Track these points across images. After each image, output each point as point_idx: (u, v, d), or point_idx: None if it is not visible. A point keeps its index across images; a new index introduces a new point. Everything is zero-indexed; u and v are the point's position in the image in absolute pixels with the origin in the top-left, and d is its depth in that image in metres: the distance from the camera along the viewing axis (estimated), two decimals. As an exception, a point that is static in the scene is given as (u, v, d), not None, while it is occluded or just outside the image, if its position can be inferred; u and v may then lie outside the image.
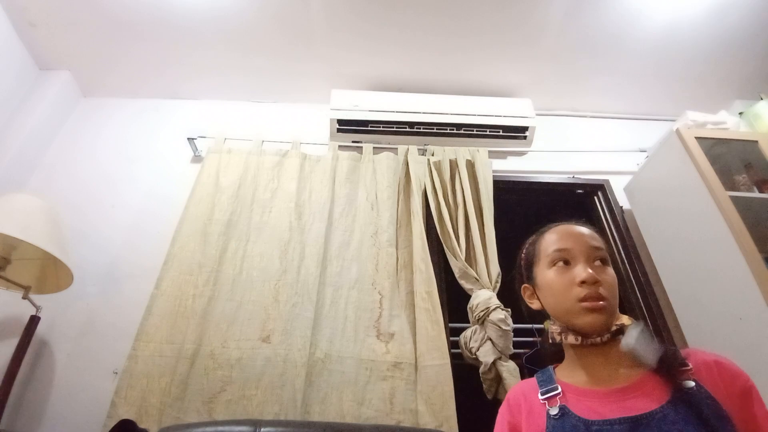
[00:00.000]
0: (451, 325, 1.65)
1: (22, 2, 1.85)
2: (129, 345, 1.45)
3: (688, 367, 0.64)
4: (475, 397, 1.47)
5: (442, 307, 1.57)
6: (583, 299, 0.70)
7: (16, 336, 1.43)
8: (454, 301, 1.71)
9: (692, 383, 0.62)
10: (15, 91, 1.98)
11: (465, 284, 1.62)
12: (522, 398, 0.77)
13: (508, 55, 2.09)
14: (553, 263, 0.77)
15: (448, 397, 1.40)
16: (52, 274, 1.51)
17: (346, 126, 2.04)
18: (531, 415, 0.73)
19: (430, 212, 1.81)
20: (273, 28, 1.95)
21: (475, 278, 1.61)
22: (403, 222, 1.81)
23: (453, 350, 1.53)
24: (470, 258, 1.68)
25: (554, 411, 0.69)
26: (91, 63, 2.11)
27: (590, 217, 2.12)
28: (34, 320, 1.46)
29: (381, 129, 2.05)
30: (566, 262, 0.75)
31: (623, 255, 1.88)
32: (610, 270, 0.75)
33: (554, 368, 0.80)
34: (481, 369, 1.45)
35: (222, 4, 1.85)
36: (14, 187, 1.82)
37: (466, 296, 1.61)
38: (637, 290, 1.78)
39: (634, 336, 0.68)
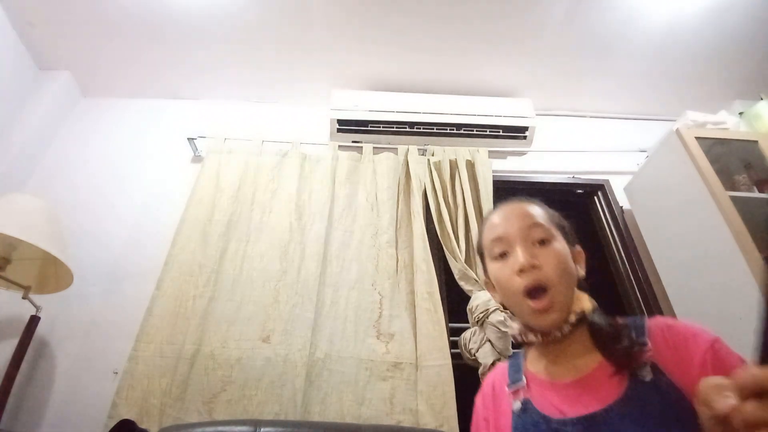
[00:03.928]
0: (450, 325, 1.66)
1: (22, 2, 1.85)
2: (129, 345, 1.45)
3: (647, 348, 0.60)
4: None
5: (442, 308, 1.58)
6: (526, 292, 0.65)
7: (16, 336, 1.43)
8: (454, 302, 1.72)
9: (649, 371, 0.58)
10: (15, 91, 1.98)
11: (465, 285, 1.62)
12: (492, 388, 0.77)
13: (507, 55, 2.09)
14: (493, 256, 0.72)
15: (449, 398, 1.40)
16: (52, 274, 1.51)
17: (346, 126, 2.04)
18: (499, 407, 0.72)
19: (430, 213, 1.81)
20: (273, 27, 1.95)
21: (475, 280, 1.61)
22: (403, 222, 1.81)
23: (452, 350, 1.53)
24: (470, 259, 1.68)
25: (517, 406, 0.68)
26: (91, 63, 2.11)
27: (590, 217, 2.13)
28: (34, 320, 1.46)
29: (381, 129, 2.05)
30: (505, 253, 0.70)
31: (623, 255, 1.88)
32: (554, 246, 0.68)
33: (526, 351, 0.77)
34: (481, 370, 1.45)
35: (222, 3, 1.85)
36: (14, 187, 1.83)
37: (466, 297, 1.61)
38: (637, 290, 1.78)
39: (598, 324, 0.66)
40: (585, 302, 0.68)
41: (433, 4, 1.85)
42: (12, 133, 1.92)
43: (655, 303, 1.71)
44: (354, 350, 1.51)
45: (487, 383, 0.79)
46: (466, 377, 1.52)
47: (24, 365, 1.41)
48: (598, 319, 0.67)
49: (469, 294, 1.60)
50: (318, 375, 1.45)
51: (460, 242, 1.70)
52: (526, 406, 0.67)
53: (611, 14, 1.91)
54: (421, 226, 1.74)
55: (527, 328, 0.70)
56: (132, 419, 1.25)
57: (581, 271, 0.72)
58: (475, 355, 1.47)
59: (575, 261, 0.71)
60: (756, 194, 1.63)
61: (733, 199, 1.48)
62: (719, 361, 0.56)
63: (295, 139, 2.00)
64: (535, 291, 0.65)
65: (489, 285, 0.77)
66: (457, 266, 1.65)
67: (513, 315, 0.74)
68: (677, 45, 2.05)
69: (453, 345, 1.57)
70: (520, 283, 0.66)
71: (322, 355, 1.49)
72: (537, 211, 0.73)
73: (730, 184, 1.66)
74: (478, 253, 0.82)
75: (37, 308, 1.46)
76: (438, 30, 1.96)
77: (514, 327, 0.74)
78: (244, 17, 1.90)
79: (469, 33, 1.98)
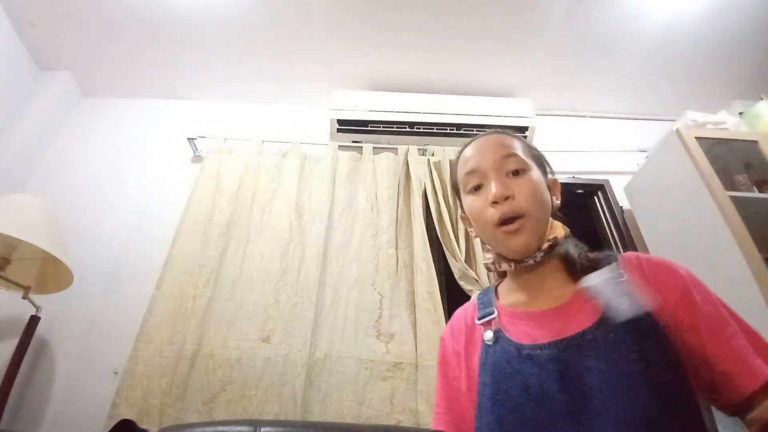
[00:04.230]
0: (451, 325, 1.65)
1: (22, 2, 1.85)
2: (129, 345, 1.45)
3: (622, 279, 0.60)
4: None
5: (442, 308, 1.58)
6: (500, 222, 0.65)
7: (16, 336, 1.43)
8: (454, 302, 1.71)
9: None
10: (15, 91, 1.98)
11: (465, 285, 1.62)
12: (463, 321, 0.75)
13: (507, 55, 2.09)
14: (468, 189, 0.71)
15: (448, 397, 1.39)
16: (52, 274, 1.51)
17: (346, 126, 2.04)
18: (470, 340, 0.71)
19: (430, 213, 1.81)
20: (273, 27, 1.95)
21: (475, 279, 1.61)
22: (403, 222, 1.81)
23: (453, 350, 1.53)
24: (470, 259, 1.68)
25: (488, 336, 0.66)
26: (91, 63, 2.11)
27: (590, 217, 2.12)
28: (34, 320, 1.46)
29: (381, 129, 2.05)
30: (479, 185, 0.69)
31: (623, 255, 1.88)
32: (529, 176, 0.68)
33: (497, 286, 0.76)
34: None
35: (222, 3, 1.85)
36: (14, 186, 1.83)
37: (466, 297, 1.61)
38: (637, 290, 1.78)
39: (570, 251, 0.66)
40: (558, 230, 0.68)
41: (434, 4, 1.85)
42: (12, 133, 1.92)
43: None
44: (354, 350, 1.51)
45: (456, 318, 0.78)
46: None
47: (24, 365, 1.41)
48: (572, 247, 0.67)
49: (469, 294, 1.60)
50: (318, 375, 1.45)
51: (460, 242, 1.70)
52: (498, 335, 0.65)
53: (611, 14, 1.91)
54: (421, 226, 1.74)
55: (500, 257, 0.69)
56: (132, 419, 1.25)
57: (556, 201, 0.73)
58: (475, 355, 1.47)
59: (550, 191, 0.72)
60: (756, 194, 1.63)
61: (733, 199, 1.48)
62: (694, 297, 0.58)
63: (295, 139, 2.00)
64: (509, 220, 0.64)
65: (465, 219, 0.76)
66: (457, 266, 1.65)
67: (487, 248, 0.74)
68: (677, 45, 2.05)
69: (453, 345, 1.57)
70: (494, 213, 0.65)
71: (322, 355, 1.49)
72: (511, 141, 0.72)
73: (730, 184, 1.65)
74: (453, 188, 0.81)
75: (37, 308, 1.46)
76: (438, 30, 1.96)
77: (487, 257, 0.73)
78: (244, 17, 1.90)
79: (469, 33, 1.98)
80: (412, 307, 1.60)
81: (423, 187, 1.89)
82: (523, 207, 0.64)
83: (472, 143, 0.75)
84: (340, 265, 1.69)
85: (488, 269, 0.73)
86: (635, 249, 1.85)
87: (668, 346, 0.55)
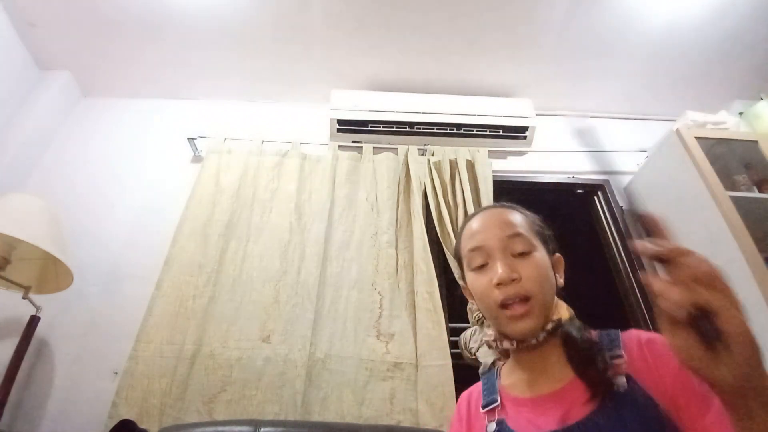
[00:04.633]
0: (450, 325, 1.65)
1: (22, 2, 1.85)
2: (129, 345, 1.45)
3: (622, 360, 0.60)
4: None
5: (442, 308, 1.58)
6: (504, 305, 0.64)
7: (16, 336, 1.43)
8: (454, 302, 1.71)
9: (624, 382, 0.58)
10: (15, 91, 1.98)
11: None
12: (465, 407, 0.76)
13: (508, 55, 2.09)
14: (471, 265, 0.71)
15: (449, 398, 1.40)
16: (52, 274, 1.51)
17: (346, 126, 2.04)
18: (472, 428, 0.72)
19: (430, 213, 1.81)
20: (273, 28, 1.95)
21: (475, 278, 1.61)
22: (403, 222, 1.81)
23: (452, 350, 1.53)
24: (470, 258, 1.67)
25: (492, 428, 0.66)
26: (91, 63, 2.11)
27: (590, 217, 2.12)
28: (34, 320, 1.45)
29: (381, 129, 2.05)
30: (484, 264, 0.69)
31: (623, 255, 1.88)
32: (535, 257, 0.67)
33: (500, 368, 0.77)
34: (481, 369, 1.45)
35: (222, 3, 1.85)
36: (14, 187, 1.82)
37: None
38: (637, 290, 1.78)
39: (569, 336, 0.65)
40: (563, 311, 0.68)
41: (434, 4, 1.85)
42: (12, 133, 1.92)
43: (655, 303, 1.70)
44: (354, 350, 1.51)
45: (461, 404, 0.79)
46: (466, 377, 1.52)
47: (24, 365, 1.40)
48: (574, 329, 0.66)
49: (469, 294, 1.60)
50: (318, 375, 1.45)
51: (460, 242, 1.70)
52: (501, 427, 0.65)
53: (611, 14, 1.91)
54: (421, 226, 1.74)
55: (503, 335, 0.69)
56: (132, 419, 1.25)
57: (560, 280, 0.72)
58: (475, 355, 1.47)
59: (555, 270, 0.71)
60: (756, 194, 1.63)
61: (733, 199, 1.48)
62: (691, 380, 0.55)
63: (295, 139, 2.00)
64: (514, 302, 0.64)
65: (466, 291, 0.77)
66: (457, 266, 1.65)
67: (488, 324, 0.74)
68: (677, 45, 2.05)
69: (453, 345, 1.57)
70: (498, 295, 0.65)
71: (322, 355, 1.49)
72: (517, 219, 0.71)
73: (730, 184, 1.66)
74: (455, 257, 0.81)
75: (37, 308, 1.46)
76: (438, 30, 1.96)
77: (489, 334, 0.73)
78: (244, 17, 1.90)
79: (470, 33, 1.98)
80: (412, 307, 1.60)
81: (423, 187, 1.88)
82: (529, 289, 0.64)
83: (478, 217, 0.75)
84: (340, 265, 1.69)
85: (489, 346, 0.73)
86: (636, 249, 1.85)
87: (668, 429, 0.54)
